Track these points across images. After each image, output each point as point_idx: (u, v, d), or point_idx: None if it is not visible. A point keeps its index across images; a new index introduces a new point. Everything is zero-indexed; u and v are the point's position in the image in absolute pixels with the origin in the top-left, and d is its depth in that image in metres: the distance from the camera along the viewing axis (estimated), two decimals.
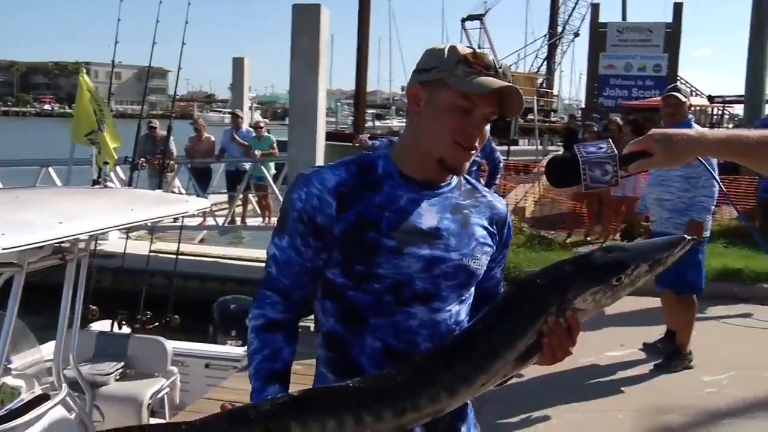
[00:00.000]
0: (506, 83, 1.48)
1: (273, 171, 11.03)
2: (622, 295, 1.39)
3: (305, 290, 1.56)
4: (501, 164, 6.08)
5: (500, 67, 1.52)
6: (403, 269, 1.48)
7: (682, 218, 4.63)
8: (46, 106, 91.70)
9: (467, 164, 1.53)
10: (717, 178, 1.82)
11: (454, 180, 1.59)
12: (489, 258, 1.59)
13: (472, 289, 1.59)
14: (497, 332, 1.36)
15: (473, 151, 1.51)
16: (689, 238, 1.42)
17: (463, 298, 1.57)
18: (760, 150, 1.48)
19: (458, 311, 1.55)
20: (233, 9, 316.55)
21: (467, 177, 1.63)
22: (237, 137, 10.97)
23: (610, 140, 1.58)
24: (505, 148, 13.77)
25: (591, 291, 1.35)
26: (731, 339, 5.54)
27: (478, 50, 1.52)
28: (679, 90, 4.80)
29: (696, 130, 1.61)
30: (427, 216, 1.52)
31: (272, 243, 1.57)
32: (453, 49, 1.50)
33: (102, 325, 4.79)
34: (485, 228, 1.58)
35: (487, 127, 1.52)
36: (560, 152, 1.55)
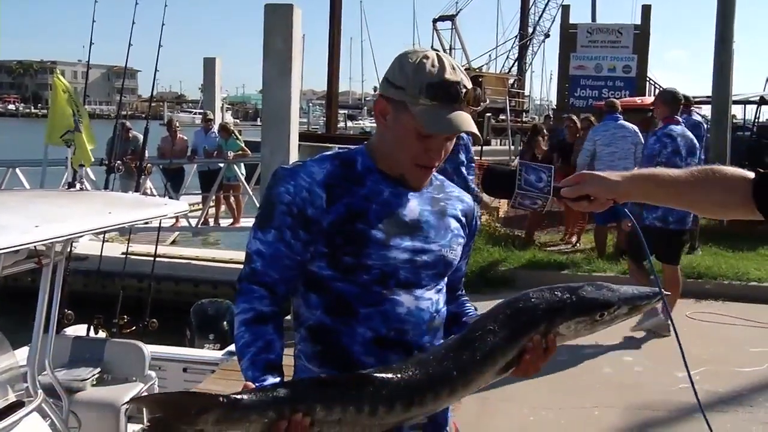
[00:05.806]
0: (460, 128, 1.49)
1: (243, 171, 10.92)
2: (599, 329, 1.53)
3: (290, 285, 1.56)
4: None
5: (465, 93, 1.50)
6: (390, 260, 1.53)
7: None
8: (10, 106, 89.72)
9: (427, 180, 1.61)
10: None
11: None
12: (461, 249, 1.66)
13: (446, 279, 1.65)
14: (497, 339, 1.44)
15: (433, 169, 1.58)
16: (665, 293, 1.60)
17: (440, 287, 1.63)
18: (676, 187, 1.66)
19: (438, 300, 1.61)
20: (203, 8, 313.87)
21: (435, 173, 1.67)
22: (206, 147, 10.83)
23: (552, 169, 1.70)
24: (478, 148, 13.87)
25: (576, 320, 1.48)
26: (703, 335, 5.64)
27: (447, 70, 1.49)
28: None
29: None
30: (409, 208, 1.57)
31: (255, 238, 1.55)
32: (420, 68, 1.49)
33: (76, 330, 4.71)
34: (458, 220, 1.66)
35: (451, 142, 1.56)
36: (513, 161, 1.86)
